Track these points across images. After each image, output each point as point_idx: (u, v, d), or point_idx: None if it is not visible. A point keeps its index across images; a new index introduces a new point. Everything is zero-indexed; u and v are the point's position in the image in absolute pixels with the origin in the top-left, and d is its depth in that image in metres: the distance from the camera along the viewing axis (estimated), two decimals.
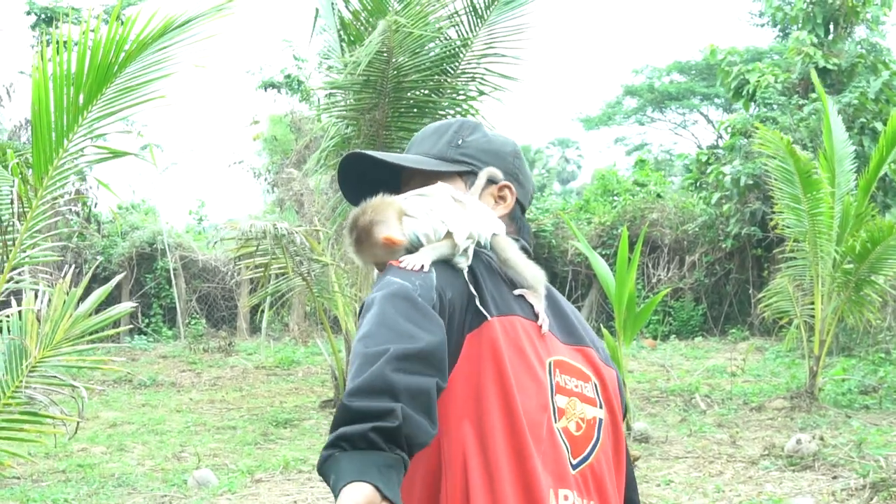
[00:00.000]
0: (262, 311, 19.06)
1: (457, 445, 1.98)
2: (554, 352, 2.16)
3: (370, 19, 10.29)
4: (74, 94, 4.68)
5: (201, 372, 17.97)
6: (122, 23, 4.64)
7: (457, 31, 10.40)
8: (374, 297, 1.92)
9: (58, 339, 5.04)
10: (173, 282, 22.65)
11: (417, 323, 1.85)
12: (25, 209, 4.82)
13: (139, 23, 4.67)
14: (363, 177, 2.35)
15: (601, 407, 2.21)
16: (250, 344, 21.43)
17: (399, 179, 2.40)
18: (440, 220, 2.07)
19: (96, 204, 22.33)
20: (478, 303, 2.05)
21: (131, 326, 19.51)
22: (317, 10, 11.06)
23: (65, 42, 4.72)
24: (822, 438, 9.90)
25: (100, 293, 5.17)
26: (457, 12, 10.27)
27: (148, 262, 23.26)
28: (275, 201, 24.11)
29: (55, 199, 5.09)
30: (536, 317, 2.15)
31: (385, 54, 9.76)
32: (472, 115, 10.54)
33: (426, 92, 10.62)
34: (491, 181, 2.35)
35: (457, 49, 10.40)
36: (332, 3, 10.88)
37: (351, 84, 10.16)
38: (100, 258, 22.56)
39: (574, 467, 2.08)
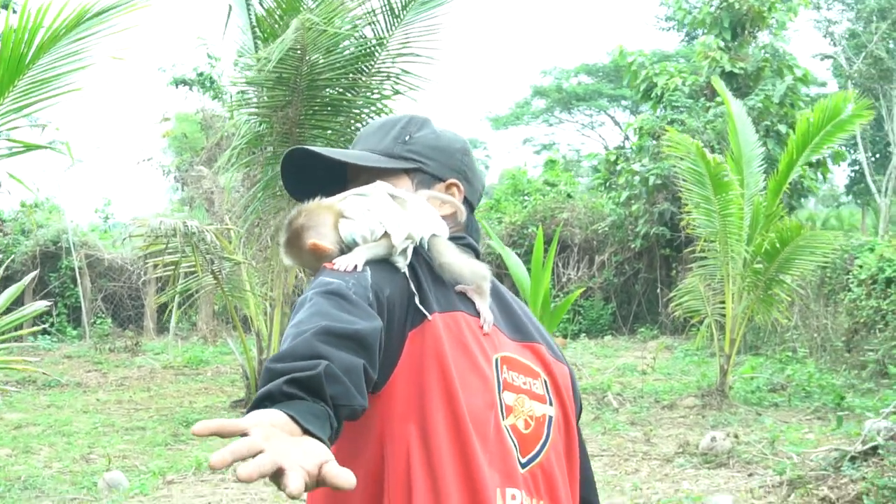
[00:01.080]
0: (171, 311, 18.77)
1: (400, 447, 1.93)
2: (501, 348, 2.12)
3: (283, 17, 10.22)
4: None
5: (108, 372, 17.64)
6: (35, 12, 4.51)
7: (373, 30, 10.40)
8: (307, 295, 1.88)
9: None
10: (78, 281, 22.24)
11: (351, 312, 1.81)
12: None
13: (51, 12, 4.55)
14: (305, 172, 2.31)
15: (551, 404, 2.16)
16: (158, 343, 21.14)
17: (345, 176, 2.35)
18: (377, 220, 2.04)
19: None
20: (417, 301, 2.00)
21: (36, 328, 19.09)
22: (230, 6, 10.95)
23: None
24: (735, 436, 10.01)
25: (11, 292, 5.03)
26: (373, 11, 10.26)
27: (52, 261, 22.83)
28: (183, 199, 23.86)
29: None
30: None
31: (298, 51, 9.68)
32: (386, 113, 10.50)
33: (341, 90, 10.57)
34: (436, 178, 2.31)
35: (372, 48, 10.38)
36: (247, 1, 10.78)
37: (264, 81, 10.07)
38: (0, 256, 22.07)
39: (523, 466, 2.03)
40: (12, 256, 22.46)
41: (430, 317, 1.99)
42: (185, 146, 24.61)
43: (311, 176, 2.31)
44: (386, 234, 2.02)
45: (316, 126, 10.65)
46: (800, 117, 13.87)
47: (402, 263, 2.04)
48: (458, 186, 2.34)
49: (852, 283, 14.82)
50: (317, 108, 10.61)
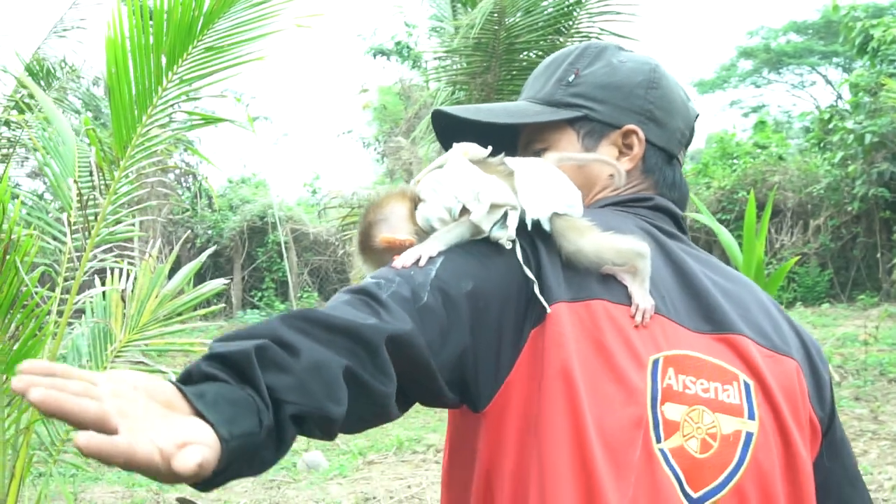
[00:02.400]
0: None
1: (511, 484, 1.53)
2: (669, 344, 1.61)
3: None
4: (156, 53, 4.24)
5: None
6: None
7: None
8: None
9: (144, 320, 4.65)
10: (284, 255, 22.48)
11: (366, 311, 1.37)
12: (108, 181, 4.40)
13: None
14: (471, 135, 1.85)
15: (752, 417, 1.62)
16: None
17: (516, 135, 1.98)
18: (452, 194, 1.63)
19: (207, 178, 22.31)
20: (536, 289, 1.55)
21: (215, 307, 19.37)
22: None
23: None
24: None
25: (188, 269, 4.77)
26: None
27: (259, 236, 23.19)
28: (385, 172, 23.83)
29: (144, 170, 4.65)
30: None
31: (496, 15, 9.26)
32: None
33: (539, 53, 10.10)
34: (609, 125, 1.88)
35: (570, 7, 9.86)
36: None
37: (462, 48, 9.68)
38: (210, 232, 22.51)
39: (693, 502, 1.52)
40: (221, 232, 22.88)
41: (548, 308, 1.53)
42: (386, 117, 24.55)
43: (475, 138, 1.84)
44: (465, 210, 1.60)
45: (514, 91, 10.20)
46: None
47: (505, 238, 1.59)
48: (636, 134, 1.88)
49: None
50: (515, 72, 10.17)
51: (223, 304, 22.16)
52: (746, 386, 1.63)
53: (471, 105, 1.94)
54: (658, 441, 1.52)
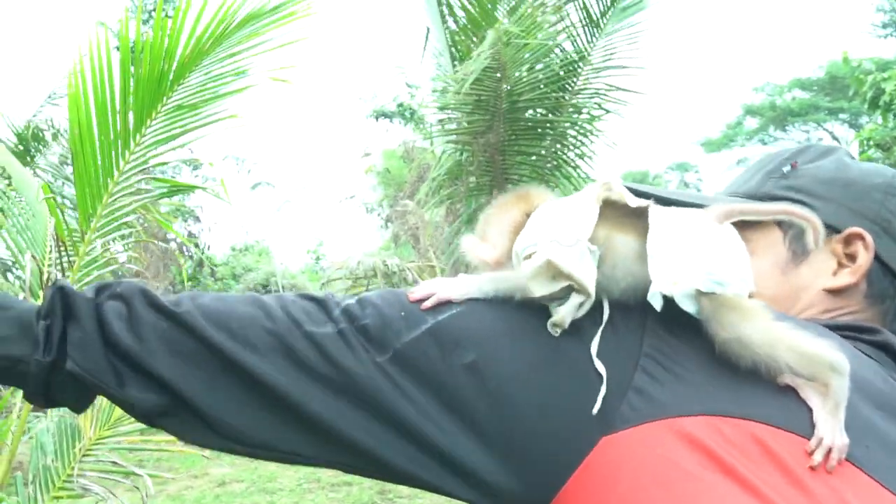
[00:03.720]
0: None
1: None
2: None
3: (478, 33, 9.52)
4: (122, 110, 3.84)
5: None
6: (174, 20, 3.80)
7: (573, 43, 9.61)
8: None
9: (117, 414, 4.20)
10: None
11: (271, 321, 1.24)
12: (71, 258, 3.97)
13: (197, 20, 3.84)
14: None
15: None
16: None
17: None
18: (532, 235, 1.26)
19: (209, 246, 22.13)
20: (600, 396, 1.13)
21: None
22: (427, 29, 10.33)
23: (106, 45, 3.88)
24: None
25: None
26: (572, 24, 9.52)
27: None
28: (391, 236, 23.63)
29: (110, 240, 4.23)
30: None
31: (497, 71, 8.92)
32: (595, 135, 9.67)
33: (543, 111, 9.77)
34: (830, 228, 1.45)
35: (574, 63, 9.55)
36: (444, 22, 10.10)
37: (461, 104, 9.35)
38: None
39: None
40: None
41: (628, 426, 1.12)
42: (390, 181, 24.34)
43: None
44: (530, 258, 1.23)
45: (520, 152, 9.90)
46: None
47: (561, 318, 1.18)
48: (863, 239, 1.46)
49: None
50: (519, 132, 9.85)
51: None
52: None
53: (657, 188, 1.52)
54: None
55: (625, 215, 1.25)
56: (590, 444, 1.12)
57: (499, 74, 8.99)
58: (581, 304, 1.19)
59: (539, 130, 9.94)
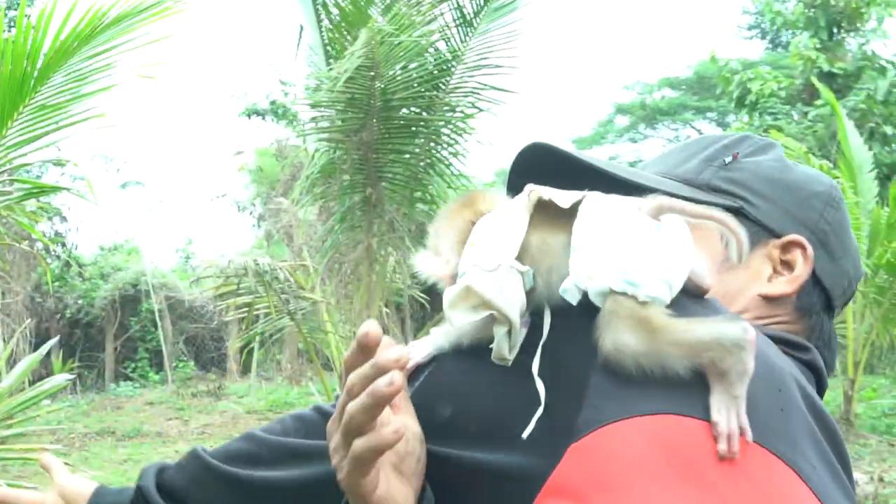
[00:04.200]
0: (253, 351, 18.18)
1: None
2: None
3: (351, 31, 9.45)
4: None
5: (189, 419, 17.19)
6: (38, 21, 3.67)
7: (447, 43, 9.60)
8: None
9: None
10: (159, 324, 21.76)
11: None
12: None
13: (61, 22, 3.72)
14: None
15: None
16: (241, 386, 20.68)
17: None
18: (468, 260, 1.19)
19: (77, 246, 21.65)
20: (535, 416, 1.13)
21: (59, 385, 18.69)
22: (301, 26, 10.21)
23: None
24: (881, 479, 8.69)
25: (26, 364, 4.21)
26: (447, 25, 9.49)
27: (132, 305, 22.44)
28: (263, 235, 23.39)
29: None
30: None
31: (371, 69, 8.87)
32: (469, 133, 9.69)
33: (417, 110, 9.75)
34: (767, 230, 1.44)
35: (447, 62, 9.55)
36: (319, 19, 10.00)
37: (334, 102, 9.26)
38: (81, 302, 21.72)
39: None
40: (92, 301, 22.11)
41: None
42: (262, 179, 24.07)
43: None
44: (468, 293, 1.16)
45: (394, 150, 9.85)
46: None
47: (496, 352, 1.16)
48: (802, 248, 1.43)
49: None
50: (393, 130, 9.80)
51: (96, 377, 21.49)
52: None
53: (588, 155, 1.46)
54: None
55: (561, 214, 1.20)
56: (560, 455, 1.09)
57: (372, 73, 8.94)
58: (509, 332, 1.15)
59: (413, 129, 9.91)
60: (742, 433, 1.05)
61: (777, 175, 1.48)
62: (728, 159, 1.49)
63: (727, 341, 1.06)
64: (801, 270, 1.42)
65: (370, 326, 1.11)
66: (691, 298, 1.16)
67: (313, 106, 9.97)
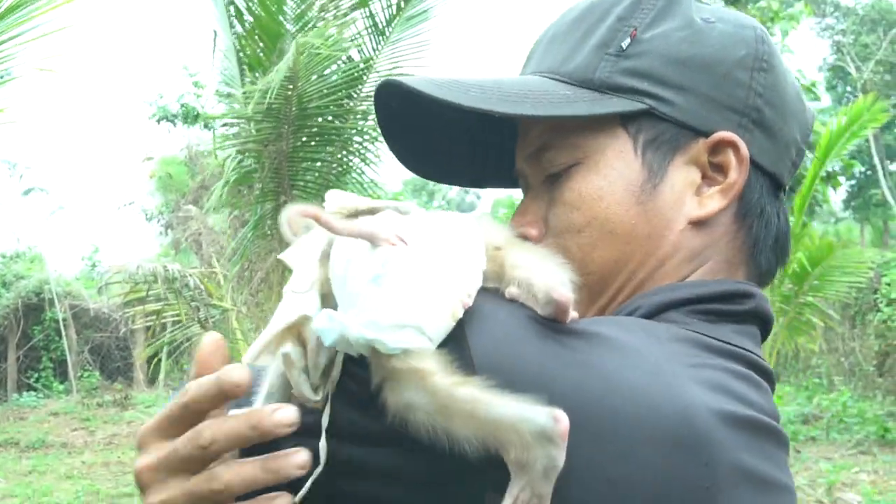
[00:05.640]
0: (160, 361, 17.93)
1: None
2: None
3: (263, 38, 9.42)
4: None
5: (95, 430, 16.88)
6: None
7: (359, 51, 9.63)
8: None
9: None
10: (63, 333, 21.36)
11: None
12: None
13: None
14: (425, 130, 1.28)
15: None
16: (148, 395, 20.38)
17: (511, 128, 1.29)
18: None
19: None
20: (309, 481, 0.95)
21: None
22: (215, 32, 10.12)
23: None
24: None
25: None
26: (359, 33, 9.53)
27: (35, 314, 21.97)
28: (170, 243, 23.07)
29: None
30: None
31: (290, 81, 8.84)
32: (380, 142, 9.71)
33: (330, 119, 9.75)
34: (689, 129, 1.17)
35: (360, 72, 9.58)
36: (231, 26, 9.93)
37: (252, 114, 9.21)
38: None
39: None
40: None
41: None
42: (171, 187, 23.75)
43: (434, 132, 1.28)
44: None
45: (306, 158, 9.84)
46: (824, 129, 12.97)
47: (305, 388, 0.97)
48: (735, 147, 1.16)
49: (881, 302, 13.99)
50: (305, 138, 9.77)
51: None
52: None
53: (449, 78, 1.17)
54: None
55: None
56: None
57: (291, 84, 8.92)
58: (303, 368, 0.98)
59: (326, 136, 9.92)
60: None
61: (688, 51, 1.18)
62: (626, 43, 1.18)
63: (529, 432, 0.85)
64: (736, 174, 1.17)
65: (235, 373, 0.95)
66: (554, 330, 0.93)
67: (229, 118, 9.90)
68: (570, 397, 0.87)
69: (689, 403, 0.90)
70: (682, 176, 1.18)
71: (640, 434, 0.88)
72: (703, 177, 1.18)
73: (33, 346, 21.71)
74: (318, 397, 0.97)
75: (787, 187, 1.27)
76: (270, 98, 8.37)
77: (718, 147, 1.17)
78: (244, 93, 9.11)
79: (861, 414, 12.72)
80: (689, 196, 1.18)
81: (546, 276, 0.94)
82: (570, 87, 1.18)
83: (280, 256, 1.06)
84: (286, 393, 1.00)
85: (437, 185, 55.41)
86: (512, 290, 0.95)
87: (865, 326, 14.84)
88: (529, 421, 0.84)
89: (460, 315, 0.90)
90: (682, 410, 0.89)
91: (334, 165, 9.92)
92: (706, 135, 1.17)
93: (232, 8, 9.47)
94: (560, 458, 0.84)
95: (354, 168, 9.87)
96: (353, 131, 9.85)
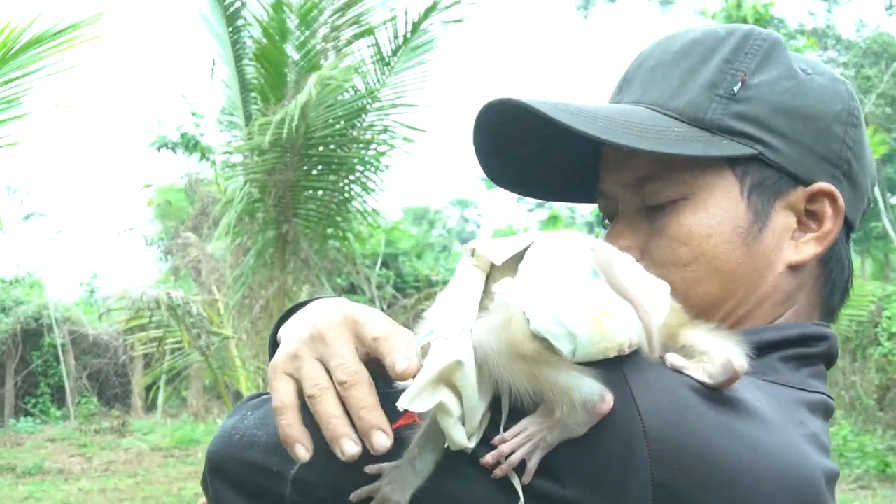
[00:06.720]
0: (159, 388, 17.88)
1: None
2: None
3: (268, 69, 9.43)
4: None
5: (92, 456, 16.79)
6: None
7: (364, 81, 9.64)
8: None
9: None
10: (62, 359, 21.30)
11: None
12: None
13: None
14: (520, 144, 1.33)
15: None
16: (146, 422, 20.31)
17: (596, 155, 1.36)
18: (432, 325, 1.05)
19: None
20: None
21: None
22: (213, 61, 10.14)
23: None
24: None
25: None
26: (362, 61, 9.54)
27: (34, 339, 21.91)
28: (170, 269, 23.06)
29: None
30: None
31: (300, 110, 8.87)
32: (382, 170, 9.74)
33: (333, 147, 9.76)
34: (792, 177, 1.26)
35: (364, 100, 9.59)
36: (237, 55, 9.94)
37: (270, 145, 9.17)
38: None
39: None
40: None
41: None
42: (169, 213, 23.74)
43: (523, 153, 1.34)
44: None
45: (311, 187, 9.86)
46: None
47: (460, 436, 1.01)
48: (832, 198, 1.26)
49: (882, 336, 13.96)
50: (307, 167, 9.78)
51: None
52: None
53: (571, 104, 1.22)
54: None
55: (517, 263, 1.06)
56: None
57: (300, 115, 8.94)
58: (460, 417, 1.01)
59: (329, 166, 9.93)
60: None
61: (793, 102, 1.25)
62: (737, 87, 1.25)
63: (577, 398, 0.96)
64: (832, 224, 1.27)
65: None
66: (708, 398, 1.01)
67: (248, 149, 9.84)
68: (727, 467, 0.97)
69: (811, 466, 1.04)
70: (781, 221, 1.27)
71: (781, 498, 1.00)
72: (798, 223, 1.28)
73: (31, 372, 21.65)
74: (472, 445, 1.02)
75: (853, 230, 1.36)
76: (286, 130, 8.38)
77: (816, 196, 1.26)
78: (259, 124, 9.04)
79: (861, 448, 12.65)
80: (786, 241, 1.27)
81: (725, 346, 1.02)
82: (683, 124, 1.25)
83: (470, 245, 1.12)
84: (440, 440, 1.04)
85: (436, 214, 55.45)
86: (674, 361, 1.03)
87: (866, 360, 14.79)
88: (581, 390, 0.96)
89: (611, 356, 0.99)
90: (808, 473, 1.03)
91: (336, 194, 9.94)
92: (805, 183, 1.26)
93: (233, 37, 9.51)
94: (585, 427, 0.97)
95: (356, 196, 9.87)
96: (356, 160, 9.86)
